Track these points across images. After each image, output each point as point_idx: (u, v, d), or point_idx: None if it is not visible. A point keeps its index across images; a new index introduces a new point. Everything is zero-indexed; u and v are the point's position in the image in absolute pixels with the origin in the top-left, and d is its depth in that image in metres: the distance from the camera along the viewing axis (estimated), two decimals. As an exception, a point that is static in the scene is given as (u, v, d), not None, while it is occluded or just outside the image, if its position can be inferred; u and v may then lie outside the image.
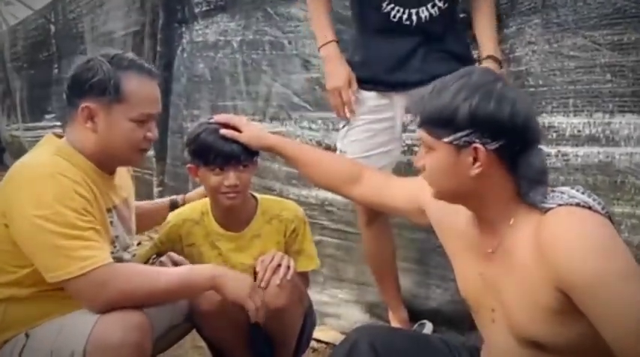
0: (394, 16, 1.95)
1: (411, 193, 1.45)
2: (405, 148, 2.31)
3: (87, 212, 1.43)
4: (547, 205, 1.11)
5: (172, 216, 1.90)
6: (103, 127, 1.51)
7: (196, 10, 3.71)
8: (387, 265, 2.30)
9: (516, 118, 1.10)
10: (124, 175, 1.74)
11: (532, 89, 2.02)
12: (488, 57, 1.95)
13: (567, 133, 1.96)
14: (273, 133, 2.03)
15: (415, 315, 2.38)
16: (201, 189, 1.96)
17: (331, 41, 2.05)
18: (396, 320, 2.34)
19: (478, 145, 1.11)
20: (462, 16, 2.12)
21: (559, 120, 1.96)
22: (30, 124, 7.18)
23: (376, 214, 2.14)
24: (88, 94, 1.50)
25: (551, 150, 1.95)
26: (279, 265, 1.70)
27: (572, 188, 1.13)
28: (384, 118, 2.05)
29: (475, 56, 2.07)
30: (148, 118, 1.55)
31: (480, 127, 1.10)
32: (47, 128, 6.57)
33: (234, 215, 1.83)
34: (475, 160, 1.12)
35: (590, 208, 1.08)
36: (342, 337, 1.73)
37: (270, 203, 1.89)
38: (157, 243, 1.87)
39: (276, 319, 1.74)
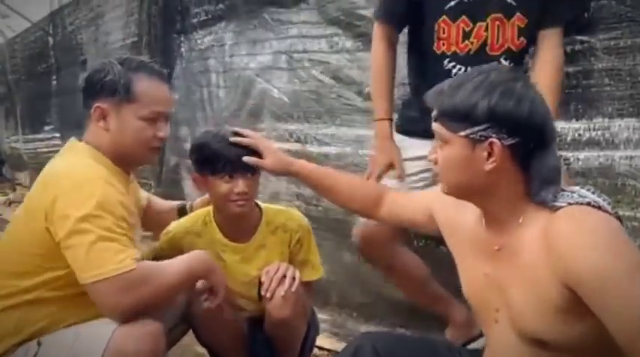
0: (455, 74, 1.85)
1: (426, 203, 1.48)
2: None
3: (125, 221, 1.48)
4: (557, 204, 1.12)
5: (174, 226, 1.88)
6: (114, 126, 1.57)
7: (194, 21, 3.74)
8: (421, 282, 2.13)
9: (534, 117, 1.11)
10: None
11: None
12: None
13: (569, 138, 1.96)
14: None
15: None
16: (205, 197, 1.94)
17: (386, 119, 1.98)
18: (456, 326, 2.11)
19: (494, 140, 1.12)
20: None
21: (561, 125, 1.97)
22: (29, 136, 7.20)
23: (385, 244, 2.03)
24: (100, 95, 1.57)
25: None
26: (284, 277, 1.70)
27: (583, 188, 1.14)
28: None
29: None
30: (157, 116, 1.59)
31: (497, 122, 1.11)
32: (46, 140, 6.59)
33: (239, 224, 1.81)
34: (490, 155, 1.13)
35: (600, 207, 1.09)
36: (344, 344, 1.74)
37: (274, 213, 1.87)
38: (157, 248, 1.86)
39: (280, 329, 1.74)
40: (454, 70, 1.86)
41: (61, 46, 5.98)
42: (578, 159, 1.94)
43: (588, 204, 1.09)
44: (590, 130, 1.91)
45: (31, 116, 7.09)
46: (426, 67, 1.93)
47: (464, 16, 1.81)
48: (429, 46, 1.87)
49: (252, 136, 1.70)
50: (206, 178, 1.72)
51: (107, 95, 1.56)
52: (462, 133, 1.15)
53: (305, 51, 2.89)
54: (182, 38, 3.92)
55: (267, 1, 3.10)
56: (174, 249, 1.83)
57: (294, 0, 2.94)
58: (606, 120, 1.87)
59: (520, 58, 1.86)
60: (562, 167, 1.32)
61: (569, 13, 1.85)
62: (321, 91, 2.82)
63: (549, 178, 1.14)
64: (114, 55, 4.54)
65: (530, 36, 1.82)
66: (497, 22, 1.81)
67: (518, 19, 1.80)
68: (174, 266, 1.53)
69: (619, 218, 1.11)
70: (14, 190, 7.48)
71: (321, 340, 2.36)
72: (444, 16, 1.82)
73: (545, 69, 1.82)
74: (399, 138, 2.00)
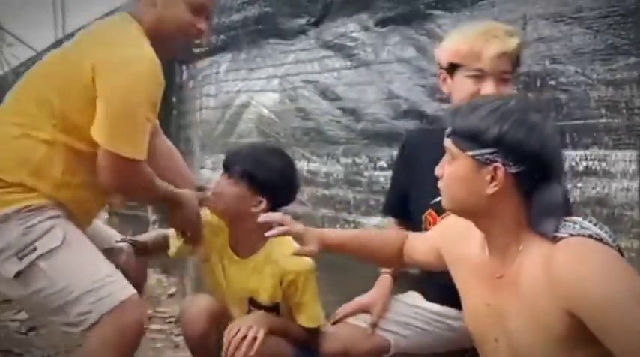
0: None
1: (432, 242, 1.49)
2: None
3: (154, 106, 1.66)
4: (558, 235, 1.12)
5: (207, 214, 1.90)
6: (161, 4, 1.71)
7: (196, 51, 3.79)
8: None
9: (543, 149, 1.13)
10: None
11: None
12: None
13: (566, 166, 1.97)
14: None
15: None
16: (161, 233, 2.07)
17: (389, 276, 1.88)
18: None
19: (499, 166, 1.13)
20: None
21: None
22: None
23: None
24: None
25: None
26: (244, 338, 1.68)
27: (585, 219, 1.15)
28: None
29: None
30: (201, 8, 1.73)
31: (505, 148, 1.13)
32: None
33: (245, 239, 1.84)
34: (493, 179, 1.14)
35: (601, 240, 1.10)
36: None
37: (275, 247, 1.80)
38: (166, 235, 1.98)
39: None
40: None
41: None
42: (576, 187, 1.94)
43: (590, 236, 1.10)
44: (587, 159, 1.91)
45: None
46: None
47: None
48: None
49: (285, 222, 1.53)
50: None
51: None
52: (470, 153, 1.16)
53: (298, 73, 2.97)
54: (184, 68, 4.04)
55: (270, 33, 3.16)
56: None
57: (294, 32, 2.99)
58: (602, 149, 1.87)
59: None
60: (570, 200, 1.31)
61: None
62: (308, 108, 2.90)
63: (550, 211, 1.14)
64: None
65: None
66: None
67: None
68: (165, 186, 1.74)
69: (620, 251, 1.12)
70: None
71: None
72: (430, 210, 1.78)
73: None
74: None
